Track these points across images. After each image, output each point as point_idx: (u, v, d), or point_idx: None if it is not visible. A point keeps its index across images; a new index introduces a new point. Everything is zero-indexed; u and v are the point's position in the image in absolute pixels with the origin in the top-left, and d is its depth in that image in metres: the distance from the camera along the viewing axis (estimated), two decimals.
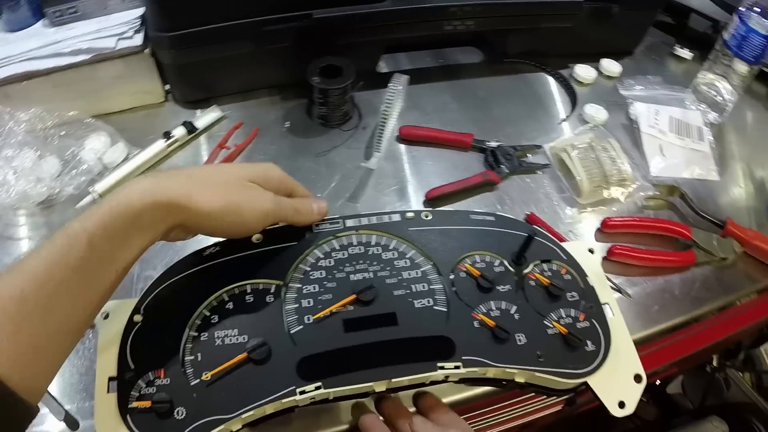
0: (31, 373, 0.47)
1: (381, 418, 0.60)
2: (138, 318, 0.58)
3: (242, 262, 0.61)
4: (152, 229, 0.53)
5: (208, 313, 0.59)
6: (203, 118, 0.81)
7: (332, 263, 0.62)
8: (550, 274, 0.65)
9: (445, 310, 0.60)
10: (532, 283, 0.64)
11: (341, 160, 0.79)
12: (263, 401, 0.55)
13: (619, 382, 0.61)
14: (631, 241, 0.77)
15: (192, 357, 0.57)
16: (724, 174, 0.92)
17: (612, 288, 0.73)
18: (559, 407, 0.95)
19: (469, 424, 0.90)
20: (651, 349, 0.85)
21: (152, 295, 0.60)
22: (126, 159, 0.78)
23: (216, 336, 0.58)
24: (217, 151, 0.82)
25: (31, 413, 0.47)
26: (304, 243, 0.63)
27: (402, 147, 0.82)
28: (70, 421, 0.61)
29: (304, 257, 0.62)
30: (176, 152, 0.84)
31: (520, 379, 0.61)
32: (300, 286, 0.60)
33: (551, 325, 0.62)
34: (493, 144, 0.83)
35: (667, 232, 0.79)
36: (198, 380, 0.55)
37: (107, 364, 0.57)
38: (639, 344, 0.68)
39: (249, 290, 0.60)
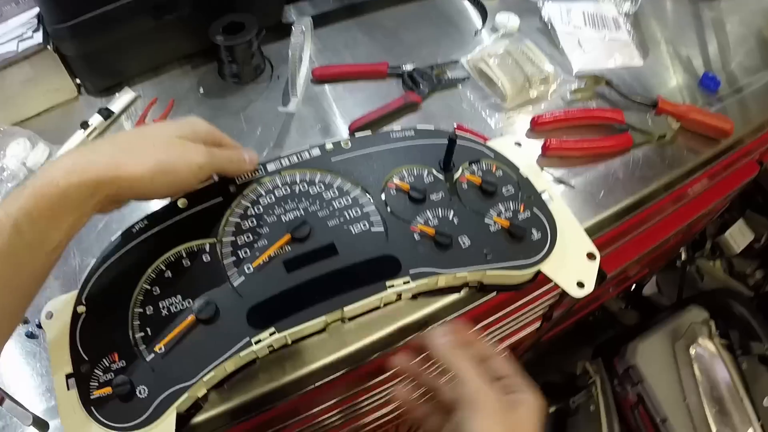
0: None
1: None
2: (81, 309, 0.54)
3: (172, 230, 0.56)
4: (81, 206, 0.47)
5: (148, 287, 0.54)
6: (117, 102, 0.75)
7: (261, 210, 0.57)
8: (480, 173, 0.60)
9: (382, 229, 0.56)
10: (465, 185, 0.59)
11: (260, 112, 0.74)
12: (221, 359, 0.51)
13: (573, 264, 0.58)
14: (566, 135, 0.72)
15: (142, 333, 0.52)
16: (647, 58, 0.87)
17: (554, 181, 0.69)
18: (537, 324, 0.92)
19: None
20: (613, 247, 0.82)
21: (91, 283, 0.55)
22: (49, 157, 0.73)
23: (161, 307, 0.53)
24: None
25: None
26: (230, 197, 0.58)
27: (319, 88, 0.77)
28: (39, 424, 0.57)
29: (232, 211, 0.57)
30: (97, 140, 0.76)
31: (473, 281, 0.57)
32: (233, 239, 0.55)
33: (492, 222, 0.58)
34: (409, 67, 0.78)
35: (600, 120, 0.75)
36: (152, 354, 0.51)
37: (62, 362, 0.52)
38: (593, 232, 0.64)
39: (184, 255, 0.55)
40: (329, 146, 0.60)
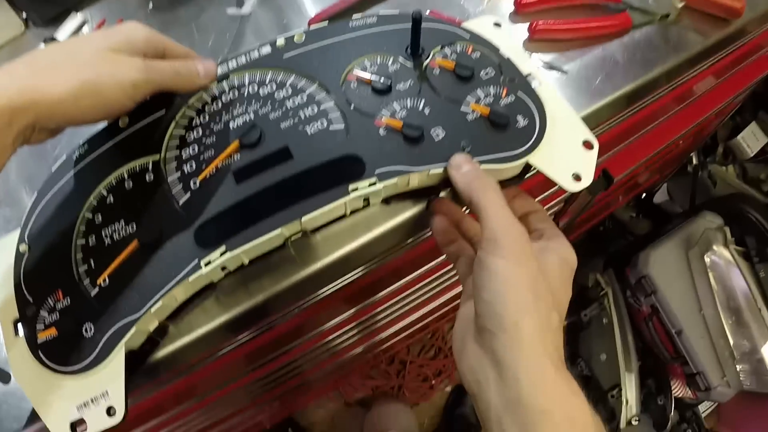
0: None
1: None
2: (24, 248, 0.48)
3: (113, 151, 0.50)
4: None
5: (90, 216, 0.48)
6: (64, 29, 0.68)
7: (207, 119, 0.50)
8: (454, 56, 0.52)
9: (342, 127, 0.48)
10: (436, 71, 0.51)
11: (214, 19, 0.65)
12: (168, 287, 0.45)
13: (567, 155, 0.49)
14: (555, 17, 0.62)
15: (85, 266, 0.46)
16: None
17: (544, 67, 0.59)
18: None
19: (437, 278, 0.79)
20: (618, 148, 0.73)
21: (32, 219, 0.49)
22: None
23: (104, 236, 0.47)
24: None
25: None
26: (174, 108, 0.51)
27: None
28: (1, 375, 0.52)
29: (176, 123, 0.50)
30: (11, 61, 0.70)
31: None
32: (177, 152, 0.49)
33: (470, 110, 0.49)
34: None
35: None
36: (96, 288, 0.45)
37: (8, 308, 0.47)
38: (591, 123, 0.55)
39: (126, 176, 0.49)
40: (280, 42, 0.52)
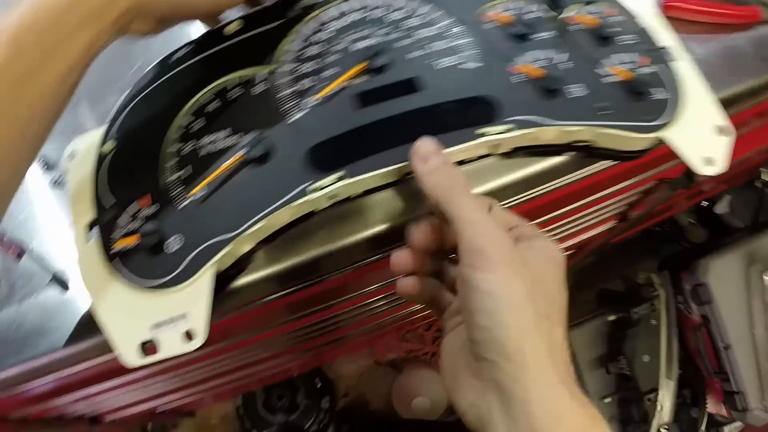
0: None
1: None
2: (109, 146, 0.43)
3: (218, 58, 0.45)
4: (96, 20, 0.36)
5: (189, 121, 0.43)
6: None
7: (329, 34, 0.45)
8: (597, 15, 0.48)
9: (473, 66, 0.44)
10: (576, 27, 0.47)
11: None
12: (273, 206, 0.39)
13: (699, 136, 0.45)
14: None
15: (178, 174, 0.41)
16: None
17: None
18: (612, 223, 0.80)
19: None
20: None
21: (122, 116, 0.44)
22: None
23: (203, 143, 0.42)
24: None
25: None
26: (290, 20, 0.46)
27: None
28: (59, 282, 0.46)
29: (294, 33, 0.45)
30: None
31: (581, 141, 0.45)
32: (294, 66, 0.44)
33: (607, 73, 0.45)
34: None
35: None
36: (189, 200, 0.40)
37: (83, 211, 0.42)
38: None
39: (232, 85, 0.44)
40: None
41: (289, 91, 0.42)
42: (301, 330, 0.67)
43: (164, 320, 0.38)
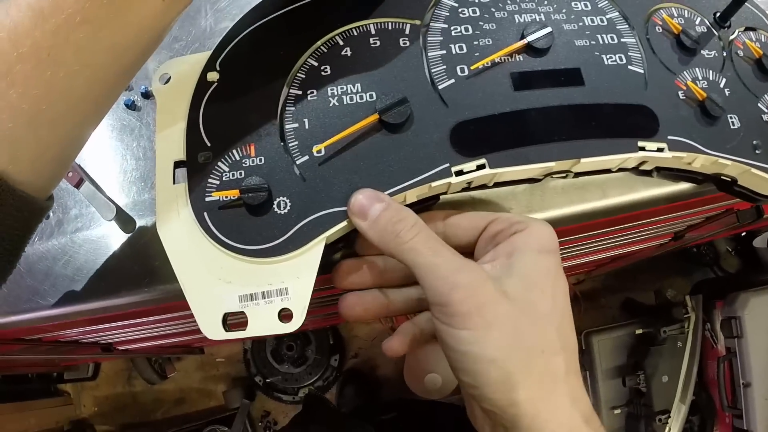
0: (27, 157, 0.28)
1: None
2: (214, 76, 0.35)
3: None
4: None
5: (315, 63, 0.35)
6: None
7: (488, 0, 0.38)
8: (759, 45, 0.43)
9: (642, 71, 0.38)
10: (741, 52, 0.42)
11: None
12: (407, 183, 0.33)
13: None
14: None
15: (296, 124, 0.34)
16: None
17: None
18: (664, 240, 0.76)
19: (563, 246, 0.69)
20: None
21: (232, 44, 0.36)
22: None
23: (330, 94, 0.34)
24: None
25: (35, 207, 0.30)
26: None
27: None
28: (124, 220, 0.38)
29: None
30: None
31: (730, 174, 0.40)
32: (446, 26, 0.36)
33: (765, 110, 0.40)
34: None
35: None
36: (307, 157, 0.33)
37: (171, 146, 0.34)
38: None
39: (373, 31, 0.36)
40: None
41: (439, 53, 0.35)
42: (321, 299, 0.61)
43: (259, 292, 0.31)
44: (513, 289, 0.29)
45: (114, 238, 0.39)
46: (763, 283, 1.06)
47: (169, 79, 0.35)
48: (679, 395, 1.03)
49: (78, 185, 0.37)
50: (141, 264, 0.38)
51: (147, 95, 0.43)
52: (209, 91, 0.34)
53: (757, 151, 0.39)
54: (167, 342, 0.79)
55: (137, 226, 0.39)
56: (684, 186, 0.42)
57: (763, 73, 0.41)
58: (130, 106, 0.41)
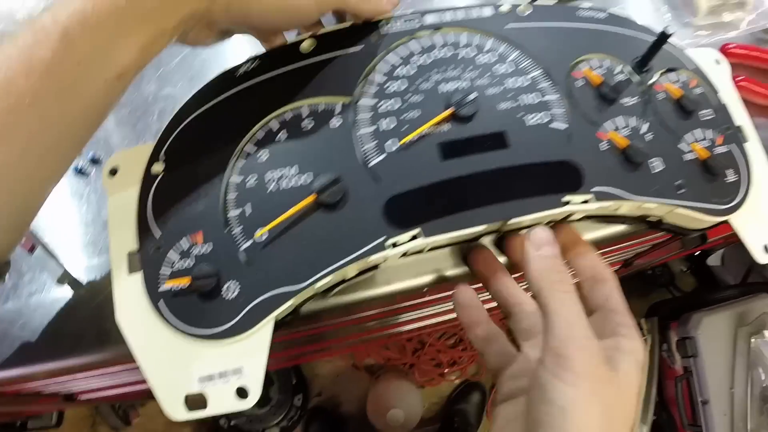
0: None
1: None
2: (158, 167, 0.37)
3: (292, 78, 0.39)
4: (157, 20, 0.31)
5: (253, 150, 0.37)
6: None
7: (414, 71, 0.40)
8: (679, 85, 0.45)
9: (564, 127, 0.40)
10: (661, 95, 0.44)
11: None
12: (345, 260, 0.35)
13: (762, 222, 0.44)
14: (744, 75, 0.55)
15: (238, 211, 0.36)
16: None
17: None
18: (615, 268, 0.79)
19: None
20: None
21: (175, 134, 0.38)
22: None
23: (268, 179, 0.36)
24: None
25: None
26: (372, 47, 0.40)
27: None
28: (75, 283, 0.42)
29: (374, 65, 0.40)
30: None
31: (657, 215, 0.43)
32: (375, 102, 0.39)
33: (687, 149, 0.43)
34: None
35: None
36: (250, 241, 0.35)
37: (124, 237, 0.36)
38: None
39: (306, 113, 0.38)
40: (505, 8, 0.43)
41: (369, 129, 0.38)
42: (284, 342, 0.63)
43: (215, 373, 0.34)
44: (616, 382, 0.31)
45: (67, 301, 0.42)
46: (714, 302, 1.08)
47: (116, 171, 0.38)
48: (639, 416, 1.06)
49: (31, 250, 0.40)
50: (95, 325, 0.41)
51: (95, 161, 0.46)
52: (155, 183, 0.36)
53: (680, 191, 0.41)
54: (129, 389, 0.81)
55: (89, 289, 0.41)
56: (621, 227, 0.45)
57: (684, 114, 0.43)
58: (79, 171, 0.44)
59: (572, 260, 0.38)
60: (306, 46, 0.40)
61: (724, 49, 0.56)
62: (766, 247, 0.43)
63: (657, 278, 1.37)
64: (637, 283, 1.37)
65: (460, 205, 0.37)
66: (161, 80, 0.47)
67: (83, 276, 0.42)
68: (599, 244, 0.46)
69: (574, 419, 0.28)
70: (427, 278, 0.45)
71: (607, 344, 0.32)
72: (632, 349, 0.32)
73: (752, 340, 1.00)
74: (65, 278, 0.41)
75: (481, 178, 0.37)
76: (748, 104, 0.53)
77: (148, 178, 0.36)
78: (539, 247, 0.34)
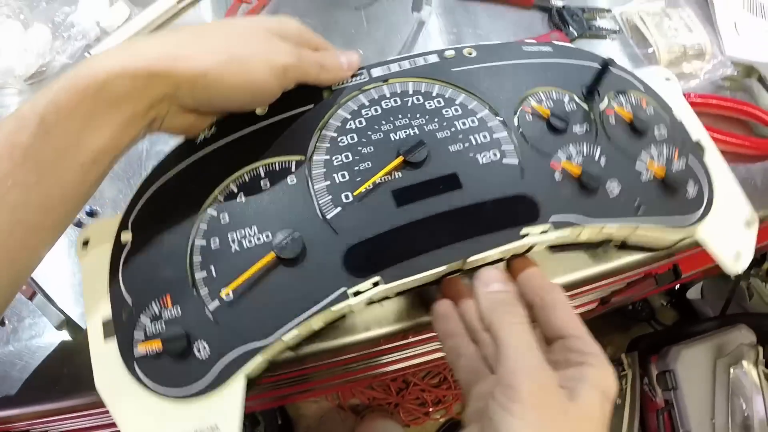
0: None
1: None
2: (126, 237, 0.38)
3: (247, 142, 0.41)
4: (126, 106, 0.33)
5: (214, 213, 0.39)
6: None
7: (364, 123, 0.41)
8: (629, 107, 0.46)
9: (516, 162, 0.41)
10: (612, 119, 0.45)
11: (385, 12, 0.60)
12: (308, 313, 0.36)
13: (729, 230, 0.44)
14: (705, 123, 0.59)
15: (204, 273, 0.37)
16: None
17: None
18: (592, 306, 0.79)
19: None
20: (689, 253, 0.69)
21: (140, 204, 0.40)
22: (128, 20, 0.60)
23: (231, 240, 0.38)
24: (237, 6, 0.60)
25: None
26: (324, 105, 0.42)
27: (455, 2, 0.62)
28: (73, 328, 0.44)
29: (326, 121, 0.41)
30: (187, 10, 0.62)
31: (617, 238, 0.43)
32: (328, 157, 0.40)
33: (644, 169, 0.43)
34: (560, 3, 0.62)
35: (748, 116, 0.61)
36: (217, 301, 0.36)
37: (98, 305, 0.38)
38: None
39: (262, 173, 0.40)
40: (450, 53, 0.45)
41: (324, 184, 0.39)
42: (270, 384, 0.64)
43: (192, 431, 0.35)
44: (573, 413, 0.30)
45: (65, 345, 0.44)
46: (693, 335, 1.08)
47: (88, 242, 0.39)
48: None
49: (31, 297, 0.42)
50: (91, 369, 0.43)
51: (92, 214, 0.50)
52: (124, 252, 0.38)
53: (639, 211, 0.42)
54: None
55: (86, 334, 0.44)
56: (591, 270, 0.45)
57: (637, 134, 0.44)
58: (77, 223, 0.48)
59: (520, 283, 0.37)
60: (260, 109, 0.41)
61: (686, 98, 0.58)
62: (735, 254, 0.43)
63: (638, 313, 1.37)
64: (618, 318, 1.37)
65: (418, 249, 0.38)
66: (153, 138, 0.49)
67: (81, 321, 0.45)
68: (570, 286, 0.47)
69: None
70: (407, 323, 0.45)
71: (568, 374, 0.32)
72: (596, 378, 0.31)
73: (731, 370, 0.99)
74: (63, 324, 0.44)
75: (436, 220, 0.38)
76: None
77: (117, 247, 0.38)
78: (488, 284, 0.35)
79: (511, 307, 0.34)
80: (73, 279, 0.47)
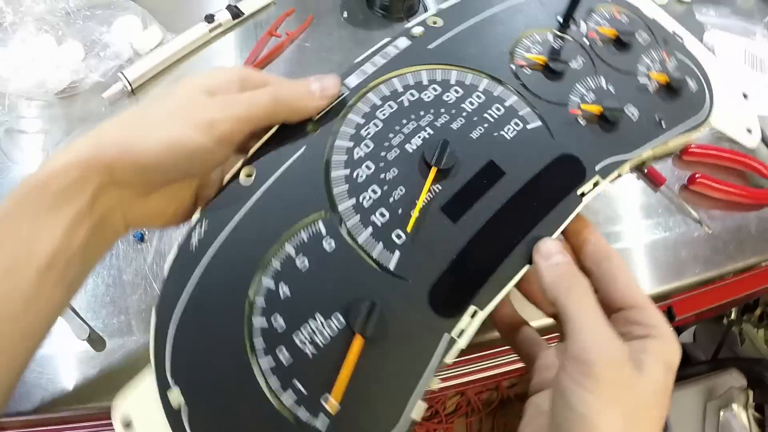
0: None
1: None
2: (176, 397, 0.30)
3: (252, 222, 0.33)
4: (66, 200, 0.29)
5: (262, 321, 0.31)
6: (249, 2, 0.66)
7: (371, 146, 0.35)
8: (607, 23, 0.43)
9: (540, 123, 0.37)
10: (598, 42, 0.42)
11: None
12: (424, 379, 0.30)
13: (732, 109, 0.44)
14: (704, 172, 0.61)
15: (293, 396, 0.30)
16: None
17: (692, 220, 0.60)
18: None
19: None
20: (684, 296, 0.70)
21: (169, 348, 0.31)
22: (160, 44, 0.62)
23: (300, 344, 0.30)
24: (266, 39, 0.64)
25: None
26: (317, 143, 0.35)
27: None
28: (95, 340, 0.45)
29: (330, 162, 0.34)
30: (218, 38, 0.65)
31: (650, 158, 0.41)
32: (354, 201, 0.33)
33: (648, 80, 0.41)
34: None
35: (745, 167, 0.63)
36: (328, 420, 0.29)
37: None
38: (715, 281, 0.58)
39: (293, 253, 0.32)
40: (417, 30, 0.39)
41: (367, 233, 0.32)
42: None
43: None
44: (641, 387, 0.29)
45: (86, 355, 0.45)
46: (684, 378, 1.11)
47: (130, 422, 0.30)
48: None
49: None
50: (109, 378, 0.44)
51: (142, 239, 0.50)
52: (185, 418, 0.30)
53: (662, 124, 0.39)
54: None
55: (107, 347, 0.45)
56: None
57: (626, 49, 0.42)
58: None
59: (576, 249, 0.36)
60: (244, 177, 0.34)
61: (686, 149, 0.62)
62: (748, 129, 0.43)
63: None
64: None
65: (496, 259, 0.33)
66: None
67: (103, 333, 0.46)
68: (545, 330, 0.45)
69: (594, 427, 0.27)
70: None
71: (634, 346, 0.31)
72: (660, 351, 0.31)
73: (721, 413, 1.03)
74: (86, 334, 0.45)
75: (499, 221, 0.34)
76: (706, 198, 0.60)
77: (173, 416, 0.30)
78: (548, 257, 0.32)
79: (576, 279, 0.31)
80: (95, 291, 0.48)
